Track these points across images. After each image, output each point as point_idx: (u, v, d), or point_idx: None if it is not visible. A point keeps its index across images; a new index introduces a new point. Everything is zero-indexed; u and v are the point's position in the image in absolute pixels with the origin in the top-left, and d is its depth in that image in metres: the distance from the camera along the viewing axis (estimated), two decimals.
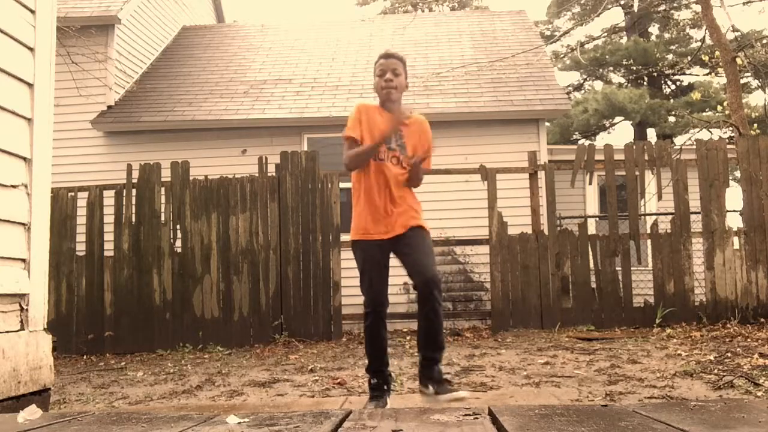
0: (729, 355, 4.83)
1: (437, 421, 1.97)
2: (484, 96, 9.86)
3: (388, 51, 3.30)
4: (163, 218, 7.29)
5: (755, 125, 12.23)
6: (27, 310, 3.13)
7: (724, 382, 3.90)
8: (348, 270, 7.46)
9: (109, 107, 9.78)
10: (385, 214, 3.09)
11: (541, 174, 7.49)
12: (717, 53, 9.96)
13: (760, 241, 6.97)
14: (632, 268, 7.22)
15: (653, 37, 23.20)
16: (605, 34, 23.63)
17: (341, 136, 3.17)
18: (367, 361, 3.21)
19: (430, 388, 2.94)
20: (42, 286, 3.27)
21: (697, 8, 13.17)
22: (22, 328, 3.09)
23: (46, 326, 3.29)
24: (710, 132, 15.32)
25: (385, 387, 3.12)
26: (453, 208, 8.46)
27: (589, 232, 7.42)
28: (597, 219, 9.88)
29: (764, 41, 15.49)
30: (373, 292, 3.08)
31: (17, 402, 2.87)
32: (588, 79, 24.86)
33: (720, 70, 11.29)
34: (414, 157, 3.08)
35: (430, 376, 2.97)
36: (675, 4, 20.58)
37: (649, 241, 7.27)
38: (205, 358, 6.34)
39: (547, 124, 10.61)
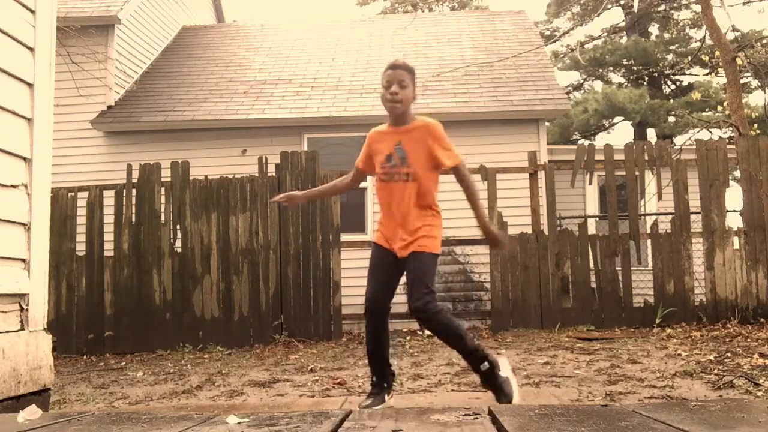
0: (729, 355, 4.83)
1: (437, 421, 1.97)
2: (484, 96, 9.86)
3: (396, 61, 3.17)
4: (163, 218, 7.29)
5: (755, 125, 12.21)
6: (27, 310, 3.13)
7: (724, 382, 3.90)
8: (348, 270, 7.47)
9: (109, 107, 9.78)
10: (393, 233, 3.11)
11: (541, 174, 7.49)
12: (717, 53, 9.96)
13: (760, 241, 6.97)
14: (632, 268, 7.21)
15: (653, 37, 23.19)
16: (605, 34, 23.63)
17: None
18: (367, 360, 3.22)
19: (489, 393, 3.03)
20: (42, 286, 3.27)
21: (697, 8, 13.18)
22: (22, 328, 3.09)
23: (46, 326, 3.29)
24: (710, 132, 15.31)
25: (384, 385, 3.13)
26: (453, 208, 8.41)
27: (589, 232, 7.42)
28: (597, 219, 9.88)
29: (764, 41, 15.49)
30: (370, 291, 3.11)
31: (17, 402, 2.87)
32: (588, 79, 24.86)
33: (720, 70, 11.29)
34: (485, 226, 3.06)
35: (481, 382, 3.07)
36: (675, 4, 20.58)
37: (649, 241, 7.27)
38: (205, 358, 6.33)
39: (547, 124, 10.60)
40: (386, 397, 3.11)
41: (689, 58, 18.13)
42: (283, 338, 6.90)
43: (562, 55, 22.68)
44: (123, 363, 6.25)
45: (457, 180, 3.09)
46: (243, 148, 9.32)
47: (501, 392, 2.97)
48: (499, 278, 7.13)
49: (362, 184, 9.31)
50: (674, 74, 22.39)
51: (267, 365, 5.51)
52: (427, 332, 7.17)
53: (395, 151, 3.07)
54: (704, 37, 12.08)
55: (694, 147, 7.55)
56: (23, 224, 3.16)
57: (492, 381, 3.00)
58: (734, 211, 7.42)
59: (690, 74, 21.89)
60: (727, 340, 5.71)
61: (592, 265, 7.16)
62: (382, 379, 3.14)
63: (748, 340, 5.64)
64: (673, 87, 23.34)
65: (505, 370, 3.07)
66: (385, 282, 3.11)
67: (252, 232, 7.20)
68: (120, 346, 7.06)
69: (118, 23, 9.93)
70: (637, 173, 7.26)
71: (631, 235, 7.17)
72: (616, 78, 23.85)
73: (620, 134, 46.97)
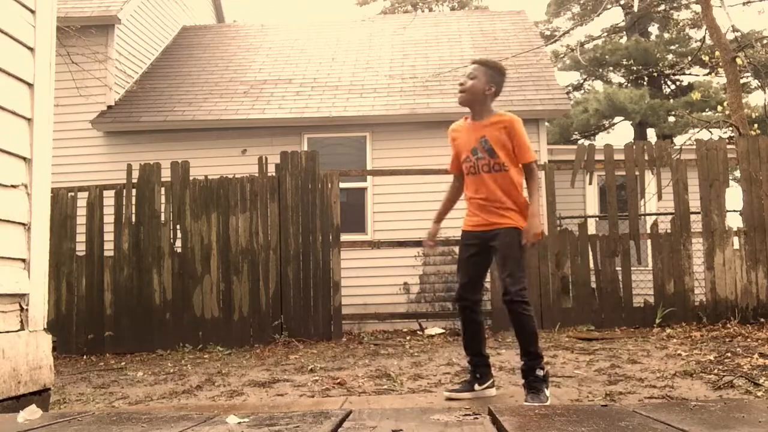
0: (729, 355, 4.83)
1: (437, 421, 1.97)
2: None
3: (476, 59, 3.32)
4: (163, 218, 7.29)
5: (755, 125, 12.21)
6: (27, 310, 3.13)
7: (724, 382, 3.90)
8: (348, 270, 7.47)
9: (109, 107, 9.78)
10: (483, 215, 3.24)
11: (541, 174, 7.47)
12: (717, 53, 9.95)
13: (760, 241, 6.97)
14: (632, 268, 7.21)
15: (653, 37, 23.20)
16: (605, 34, 23.63)
17: None
18: None
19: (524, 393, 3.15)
20: (42, 286, 3.27)
21: (697, 8, 13.18)
22: (22, 328, 3.09)
23: (46, 326, 3.28)
24: (710, 132, 15.32)
25: (477, 375, 3.29)
26: (453, 208, 8.45)
27: (589, 232, 7.43)
28: (597, 219, 9.88)
29: (764, 41, 15.49)
30: (459, 281, 3.30)
31: (17, 402, 2.87)
32: (588, 79, 24.86)
33: (720, 70, 11.29)
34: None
35: (524, 380, 3.17)
36: (675, 4, 20.59)
37: (649, 241, 7.27)
38: (205, 358, 6.33)
39: (547, 124, 10.61)
40: (476, 386, 3.28)
41: (689, 58, 18.14)
42: (283, 338, 6.90)
43: (562, 55, 22.68)
44: (123, 363, 6.25)
45: (524, 175, 3.23)
46: (243, 148, 9.32)
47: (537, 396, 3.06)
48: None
49: (362, 184, 9.40)
50: (674, 74, 22.39)
51: (267, 365, 5.51)
52: (427, 332, 7.18)
53: (480, 143, 3.18)
54: (704, 37, 12.07)
55: (694, 147, 7.55)
56: (23, 224, 3.16)
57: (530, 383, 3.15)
58: (734, 211, 7.42)
59: (690, 74, 21.90)
60: (727, 340, 5.71)
61: (592, 265, 7.16)
62: (473, 369, 3.32)
63: (748, 340, 5.64)
64: (673, 87, 23.35)
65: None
66: (465, 269, 3.33)
67: (252, 232, 7.20)
68: (120, 346, 7.06)
69: (118, 23, 9.93)
70: (637, 173, 7.26)
71: (631, 235, 7.17)
72: (616, 78, 23.86)
73: (620, 134, 46.94)
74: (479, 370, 3.30)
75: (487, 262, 3.29)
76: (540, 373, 3.09)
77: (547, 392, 3.10)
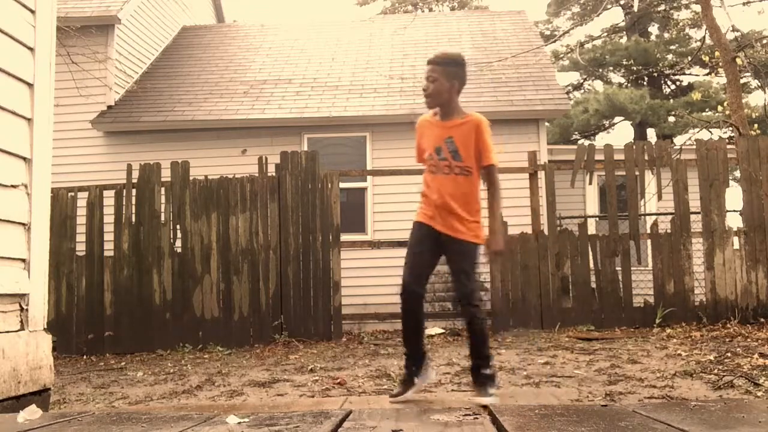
0: (729, 355, 4.83)
1: (437, 421, 1.97)
2: (484, 96, 9.85)
3: (432, 56, 3.24)
4: (163, 218, 7.29)
5: (755, 125, 12.22)
6: (27, 310, 3.13)
7: (724, 382, 3.90)
8: (348, 270, 7.47)
9: (109, 107, 9.78)
10: (440, 219, 3.16)
11: (541, 174, 7.49)
12: (717, 53, 9.95)
13: (760, 241, 6.97)
14: (632, 268, 7.21)
15: (653, 37, 23.19)
16: (605, 34, 23.63)
17: None
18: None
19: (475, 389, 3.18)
20: (42, 286, 3.27)
21: (697, 8, 13.17)
22: (22, 328, 3.09)
23: (46, 326, 3.28)
24: (710, 132, 15.32)
25: (414, 368, 3.23)
26: None
27: (589, 232, 7.43)
28: (597, 219, 9.88)
29: (764, 41, 15.49)
30: (405, 272, 3.16)
31: (17, 402, 2.87)
32: (588, 79, 24.86)
33: (720, 70, 11.29)
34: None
35: (472, 378, 3.22)
36: (675, 4, 20.59)
37: (649, 241, 7.27)
38: (205, 358, 6.33)
39: (547, 124, 10.61)
40: (416, 380, 3.23)
41: (689, 58, 18.13)
42: (283, 338, 6.90)
43: (562, 55, 22.68)
44: (123, 363, 6.25)
45: (484, 179, 3.19)
46: (243, 148, 9.32)
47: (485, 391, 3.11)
48: (499, 278, 7.12)
49: (362, 184, 9.39)
50: (674, 74, 22.39)
51: (267, 365, 5.50)
52: (427, 332, 7.17)
53: (446, 144, 3.14)
54: (704, 37, 12.07)
55: (694, 147, 7.55)
56: (23, 224, 3.16)
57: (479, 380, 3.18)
58: (734, 211, 7.42)
59: (690, 74, 21.90)
60: (727, 340, 5.71)
61: (592, 265, 7.16)
62: (411, 364, 3.26)
63: (748, 340, 5.64)
64: (673, 87, 23.34)
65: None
66: (418, 259, 3.20)
67: (252, 232, 7.20)
68: (120, 346, 7.06)
69: (118, 23, 9.93)
70: (637, 173, 7.25)
71: (631, 235, 7.17)
72: (616, 78, 23.86)
73: (620, 134, 46.94)
74: (416, 363, 3.26)
75: (437, 259, 3.22)
76: (488, 371, 3.15)
77: (493, 390, 3.15)
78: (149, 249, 7.21)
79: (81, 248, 7.32)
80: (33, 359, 3.10)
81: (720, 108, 14.35)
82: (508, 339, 6.49)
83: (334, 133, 9.52)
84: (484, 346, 3.18)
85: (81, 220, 7.34)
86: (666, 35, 22.86)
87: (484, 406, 2.27)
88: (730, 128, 11.39)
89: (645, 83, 22.51)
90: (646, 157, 7.26)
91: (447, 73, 3.15)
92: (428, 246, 3.16)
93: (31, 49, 3.23)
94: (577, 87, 25.14)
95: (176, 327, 7.07)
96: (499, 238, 3.16)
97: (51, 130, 3.39)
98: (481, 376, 3.14)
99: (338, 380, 4.50)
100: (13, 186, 3.09)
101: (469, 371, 3.27)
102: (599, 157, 7.35)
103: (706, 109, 19.69)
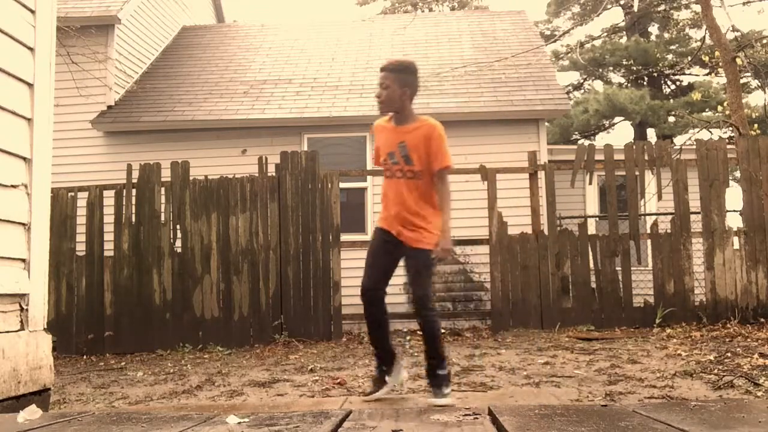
0: (729, 355, 4.83)
1: (437, 421, 1.97)
2: (484, 96, 9.86)
3: (383, 64, 3.32)
4: (163, 218, 7.29)
5: (755, 125, 12.21)
6: (27, 310, 3.13)
7: (724, 382, 3.90)
8: (348, 270, 7.46)
9: (109, 107, 9.78)
10: (397, 224, 3.24)
11: (541, 174, 7.49)
12: (717, 53, 9.95)
13: (760, 241, 6.97)
14: (632, 268, 7.21)
15: (653, 37, 23.19)
16: (605, 34, 23.63)
17: None
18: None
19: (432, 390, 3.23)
20: (42, 286, 3.27)
21: (697, 8, 13.18)
22: (22, 328, 3.09)
23: (46, 326, 3.29)
24: (710, 132, 15.32)
25: (384, 368, 3.32)
26: (453, 208, 8.44)
27: (589, 232, 7.42)
28: (597, 219, 9.88)
29: (764, 41, 15.49)
30: (365, 275, 3.26)
31: (17, 402, 2.87)
32: (588, 79, 24.86)
33: (720, 70, 11.29)
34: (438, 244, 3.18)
35: (428, 379, 3.27)
36: (675, 4, 20.58)
37: (649, 241, 7.27)
38: (205, 358, 6.33)
39: (547, 124, 10.61)
40: (387, 379, 3.31)
41: (689, 58, 18.12)
42: (283, 338, 6.90)
43: (562, 55, 22.68)
44: (123, 363, 6.25)
45: (436, 182, 3.24)
46: (243, 148, 9.32)
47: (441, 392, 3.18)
48: (499, 278, 7.13)
49: (362, 184, 9.40)
50: (674, 74, 22.38)
51: (267, 365, 5.50)
52: None
53: (398, 148, 3.20)
54: (704, 37, 12.07)
55: (694, 147, 7.55)
56: (23, 224, 3.16)
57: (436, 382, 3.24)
58: (734, 211, 7.42)
59: (690, 74, 21.88)
60: (727, 340, 5.71)
61: (592, 265, 7.16)
62: (380, 363, 3.35)
63: (748, 340, 5.64)
64: (673, 87, 23.34)
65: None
66: (377, 262, 3.29)
67: (252, 232, 7.20)
68: (120, 346, 7.06)
69: (118, 23, 9.93)
70: (637, 173, 7.25)
71: (631, 235, 7.17)
72: (616, 78, 23.85)
73: (620, 134, 46.96)
74: (386, 362, 3.35)
75: (396, 260, 3.29)
76: (442, 372, 3.22)
77: (448, 390, 3.22)
78: (149, 249, 7.21)
79: (81, 248, 7.32)
80: (33, 359, 3.10)
81: (720, 108, 14.36)
82: (508, 339, 6.49)
83: (334, 133, 9.52)
84: (438, 347, 3.24)
85: (81, 220, 7.34)
86: (666, 35, 22.86)
87: (487, 408, 2.27)
88: (730, 128, 11.39)
89: (645, 83, 22.50)
90: (646, 157, 7.26)
91: (399, 81, 3.22)
92: (387, 249, 3.26)
93: (31, 49, 3.23)
94: (577, 87, 25.14)
95: (176, 327, 7.08)
96: (448, 238, 3.22)
97: (51, 130, 3.39)
98: (436, 377, 3.21)
99: (338, 380, 4.50)
100: (13, 186, 3.09)
101: (425, 372, 3.33)
102: (599, 157, 7.35)
103: (706, 109, 19.68)
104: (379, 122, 3.39)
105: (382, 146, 3.31)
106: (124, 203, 7.29)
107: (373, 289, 3.22)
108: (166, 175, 7.34)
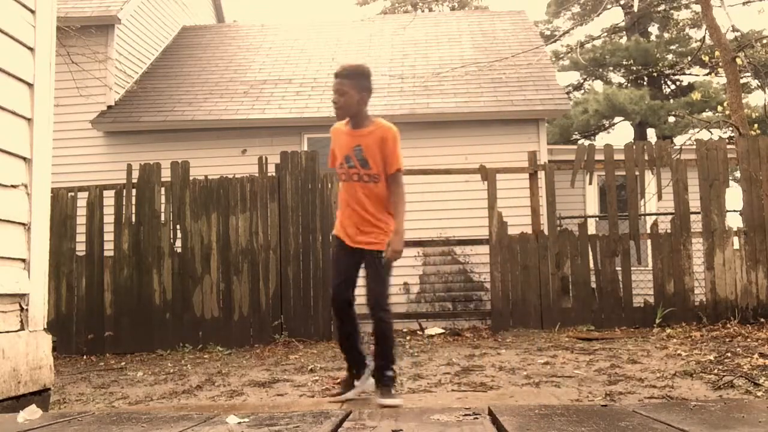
0: (729, 355, 4.83)
1: (437, 421, 1.97)
2: (484, 96, 9.86)
3: (337, 69, 3.33)
4: (163, 218, 7.29)
5: (755, 125, 12.21)
6: (27, 310, 3.13)
7: (724, 382, 3.90)
8: None
9: (109, 107, 9.78)
10: (352, 228, 3.32)
11: (541, 174, 7.49)
12: (717, 53, 9.96)
13: (760, 241, 6.97)
14: (632, 268, 7.21)
15: (653, 37, 23.19)
16: (605, 34, 23.63)
17: None
18: None
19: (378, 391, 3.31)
20: (42, 286, 3.27)
21: (697, 8, 13.18)
22: (22, 328, 3.09)
23: (46, 326, 3.29)
24: (710, 132, 15.31)
25: (354, 371, 3.42)
26: (453, 208, 8.46)
27: (589, 232, 7.42)
28: (597, 219, 9.88)
29: (764, 41, 15.49)
30: (332, 282, 3.39)
31: (17, 402, 2.87)
32: (588, 79, 24.86)
33: (720, 70, 11.29)
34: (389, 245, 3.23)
35: (376, 380, 3.34)
36: (675, 4, 20.58)
37: (649, 241, 7.27)
38: (205, 358, 6.33)
39: (547, 124, 10.61)
40: (356, 383, 3.39)
41: (689, 58, 18.13)
42: (283, 338, 6.90)
43: (562, 55, 22.68)
44: (123, 363, 6.25)
45: (389, 185, 3.28)
46: (243, 148, 9.32)
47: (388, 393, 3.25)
48: (499, 278, 7.13)
49: None
50: (674, 74, 22.38)
51: (267, 365, 5.51)
52: (427, 332, 7.18)
53: (354, 152, 3.25)
54: (704, 37, 12.07)
55: (694, 147, 7.55)
56: (23, 224, 3.16)
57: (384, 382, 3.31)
58: (734, 211, 7.42)
59: (690, 74, 21.88)
60: (727, 340, 5.71)
61: (592, 265, 7.16)
62: (350, 367, 3.45)
63: (748, 340, 5.64)
64: (673, 87, 23.34)
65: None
66: (339, 271, 3.39)
67: (252, 232, 7.20)
68: (120, 346, 7.06)
69: (118, 23, 9.93)
70: (637, 173, 7.25)
71: (631, 235, 7.17)
72: (616, 78, 23.85)
73: (620, 134, 46.94)
74: (356, 366, 3.42)
75: (358, 264, 3.36)
76: (390, 373, 3.28)
77: (395, 391, 3.32)
78: (149, 249, 7.21)
79: (81, 248, 7.32)
80: (33, 359, 3.10)
81: (720, 108, 14.36)
82: (508, 339, 6.49)
83: None
84: (389, 349, 3.30)
85: (81, 220, 7.34)
86: (666, 35, 22.86)
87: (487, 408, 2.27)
88: (730, 128, 11.39)
89: (645, 83, 22.50)
90: (646, 157, 7.26)
91: (356, 86, 3.25)
92: (347, 254, 3.33)
93: (31, 49, 3.23)
94: (577, 87, 25.14)
95: (176, 327, 7.08)
96: (401, 239, 3.26)
97: (51, 130, 3.39)
98: (384, 377, 3.27)
99: (338, 380, 4.50)
100: (13, 186, 3.09)
101: (374, 373, 3.38)
102: (599, 157, 7.35)
103: (706, 110, 19.68)
104: (336, 126, 3.45)
105: (338, 150, 3.36)
106: (124, 203, 7.29)
107: (340, 298, 3.31)
108: (166, 175, 7.34)
